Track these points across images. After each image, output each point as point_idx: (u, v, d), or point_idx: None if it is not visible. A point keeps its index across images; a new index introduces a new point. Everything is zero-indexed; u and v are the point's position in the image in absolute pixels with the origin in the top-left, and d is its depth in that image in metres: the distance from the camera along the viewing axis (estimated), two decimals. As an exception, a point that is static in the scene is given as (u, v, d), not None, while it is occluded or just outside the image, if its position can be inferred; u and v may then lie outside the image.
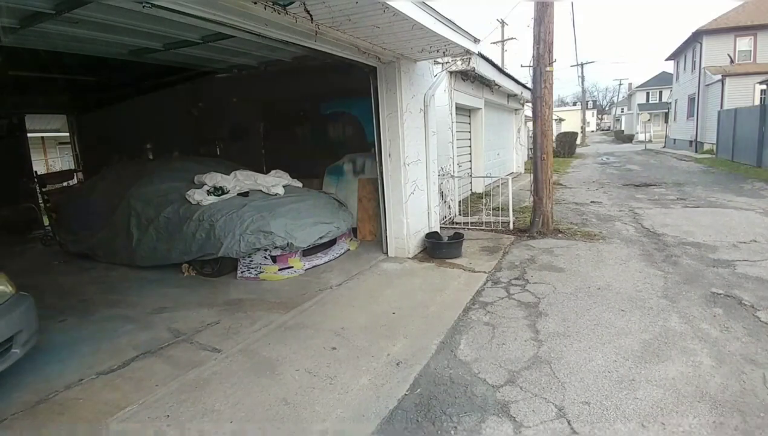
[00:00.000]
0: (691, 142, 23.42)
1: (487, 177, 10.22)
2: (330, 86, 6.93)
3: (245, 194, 5.45)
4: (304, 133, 7.54)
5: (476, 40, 5.28)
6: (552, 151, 6.92)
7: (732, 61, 21.10)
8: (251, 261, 4.99)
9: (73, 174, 8.81)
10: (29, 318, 2.95)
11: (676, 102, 28.09)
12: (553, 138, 10.28)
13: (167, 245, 5.14)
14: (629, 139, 40.78)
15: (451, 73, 8.08)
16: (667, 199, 9.30)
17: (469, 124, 10.76)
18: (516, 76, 13.04)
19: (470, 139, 10.84)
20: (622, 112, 56.36)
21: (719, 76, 19.80)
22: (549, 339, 3.34)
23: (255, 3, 3.25)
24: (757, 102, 17.98)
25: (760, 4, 20.58)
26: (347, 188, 6.67)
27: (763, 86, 17.70)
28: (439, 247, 5.64)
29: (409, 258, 5.63)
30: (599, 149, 30.91)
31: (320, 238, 5.29)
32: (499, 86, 11.04)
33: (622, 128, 49.83)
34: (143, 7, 2.88)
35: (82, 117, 9.75)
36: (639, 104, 44.53)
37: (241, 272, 5.02)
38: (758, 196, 9.16)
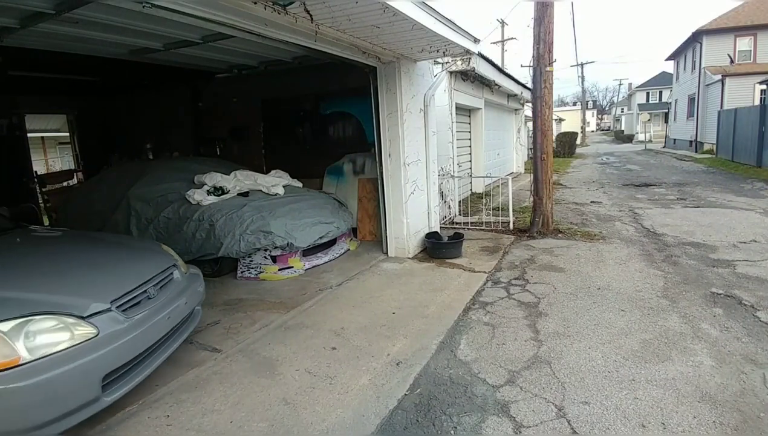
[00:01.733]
0: (691, 142, 23.42)
1: (487, 177, 10.22)
2: (330, 86, 6.93)
3: (245, 194, 5.45)
4: (304, 133, 7.54)
5: (476, 40, 5.28)
6: (552, 151, 6.92)
7: (732, 61, 21.10)
8: (251, 261, 5.00)
9: (73, 174, 8.81)
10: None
11: (676, 102, 28.09)
12: (553, 138, 10.27)
13: (167, 244, 5.13)
14: (629, 139, 40.79)
15: (451, 73, 8.08)
16: (667, 199, 9.31)
17: (469, 124, 10.76)
18: (516, 76, 13.03)
19: (470, 139, 10.84)
20: (622, 112, 56.36)
21: (719, 76, 19.80)
22: (549, 339, 3.34)
23: (255, 3, 3.25)
24: (757, 102, 17.98)
25: (760, 4, 20.60)
26: (347, 188, 6.67)
27: (763, 86, 17.70)
28: (439, 247, 5.64)
29: (409, 258, 5.63)
30: (599, 149, 30.92)
31: (320, 238, 5.29)
32: (499, 86, 11.03)
33: (622, 128, 49.85)
34: (143, 7, 2.88)
35: (82, 117, 9.74)
36: (639, 104, 44.55)
37: (241, 272, 5.02)
38: (758, 196, 9.16)
